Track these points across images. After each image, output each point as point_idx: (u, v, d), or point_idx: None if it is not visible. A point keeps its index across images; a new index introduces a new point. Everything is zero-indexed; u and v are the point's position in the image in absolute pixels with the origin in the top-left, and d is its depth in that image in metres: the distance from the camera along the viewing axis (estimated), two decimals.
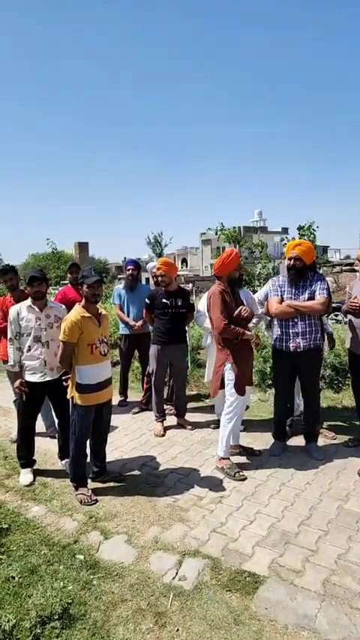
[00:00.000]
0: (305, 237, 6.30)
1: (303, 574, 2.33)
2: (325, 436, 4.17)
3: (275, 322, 3.82)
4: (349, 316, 3.90)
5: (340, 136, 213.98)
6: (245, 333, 3.42)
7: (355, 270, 3.89)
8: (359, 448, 3.86)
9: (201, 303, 4.43)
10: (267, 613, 2.09)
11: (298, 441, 4.04)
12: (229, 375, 3.45)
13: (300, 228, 6.25)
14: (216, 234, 6.47)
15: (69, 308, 3.36)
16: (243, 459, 3.71)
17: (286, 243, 5.30)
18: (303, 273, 3.64)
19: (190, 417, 4.64)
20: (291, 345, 3.62)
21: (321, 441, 4.03)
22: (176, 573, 2.38)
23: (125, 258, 45.71)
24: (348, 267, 15.90)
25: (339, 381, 5.46)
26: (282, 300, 3.66)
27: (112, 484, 3.32)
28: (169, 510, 2.95)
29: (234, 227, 6.67)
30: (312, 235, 6.28)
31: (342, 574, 2.31)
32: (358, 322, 3.73)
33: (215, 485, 3.28)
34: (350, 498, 3.05)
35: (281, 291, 3.70)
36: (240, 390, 3.44)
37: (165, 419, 4.48)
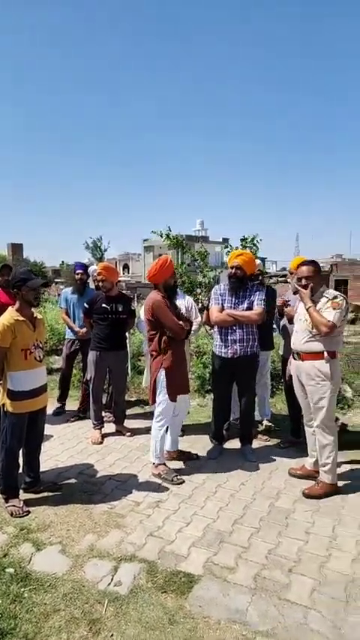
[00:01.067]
0: (247, 249, 6.54)
1: (236, 570, 2.40)
2: (259, 439, 4.33)
3: (215, 329, 3.94)
4: (283, 322, 4.10)
5: (282, 155, 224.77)
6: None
7: (287, 282, 4.10)
8: (291, 449, 4.05)
9: (142, 310, 4.45)
10: (201, 610, 2.14)
11: (234, 444, 4.16)
12: (162, 382, 3.49)
13: (243, 239, 6.47)
14: (161, 236, 6.46)
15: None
16: (181, 464, 3.75)
17: (229, 252, 5.46)
18: (243, 282, 3.79)
19: (129, 423, 4.63)
20: (229, 351, 3.74)
21: (256, 444, 4.18)
22: (112, 579, 2.37)
23: (63, 262, 44.52)
24: (283, 279, 16.82)
25: (273, 386, 5.68)
26: (222, 309, 3.79)
27: (46, 494, 3.23)
28: (106, 517, 2.92)
29: (179, 234, 6.68)
30: (254, 247, 6.53)
31: (272, 568, 2.41)
32: (292, 328, 3.93)
33: (153, 490, 3.30)
34: (281, 496, 3.19)
35: (222, 300, 3.83)
36: (172, 396, 3.49)
37: (103, 426, 4.43)
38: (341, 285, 31.49)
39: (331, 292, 3.19)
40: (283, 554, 2.52)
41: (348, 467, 3.69)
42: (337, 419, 3.68)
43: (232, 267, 3.76)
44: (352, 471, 3.62)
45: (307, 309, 3.12)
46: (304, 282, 3.23)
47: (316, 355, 3.16)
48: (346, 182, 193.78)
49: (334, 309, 3.08)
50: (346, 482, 3.39)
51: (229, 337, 3.75)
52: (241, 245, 6.46)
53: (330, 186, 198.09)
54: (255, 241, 6.50)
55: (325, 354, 3.13)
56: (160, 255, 4.55)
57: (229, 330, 3.76)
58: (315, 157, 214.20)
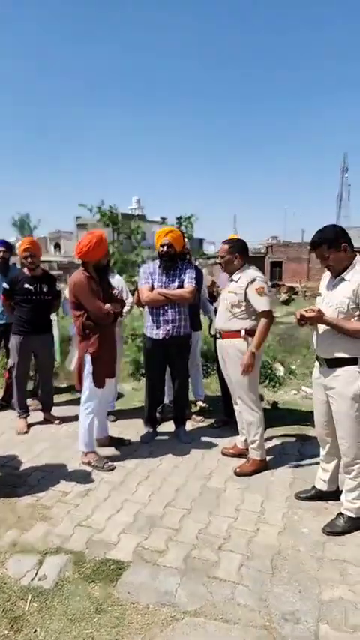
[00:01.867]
0: (183, 228, 6.45)
1: (166, 553, 2.37)
2: (193, 420, 4.35)
3: (146, 310, 3.84)
4: (215, 304, 4.11)
5: (220, 136, 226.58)
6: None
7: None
8: (224, 429, 4.09)
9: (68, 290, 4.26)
10: (129, 597, 2.08)
11: (168, 426, 4.13)
12: (89, 367, 3.36)
13: (179, 218, 6.38)
14: (90, 210, 6.16)
15: None
16: (113, 450, 3.67)
17: None
18: (175, 260, 3.72)
19: (58, 411, 4.45)
20: (161, 332, 3.67)
21: (190, 425, 4.18)
22: (36, 574, 2.25)
23: None
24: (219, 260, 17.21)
25: (208, 367, 5.72)
26: (152, 288, 3.69)
27: None
28: (30, 510, 2.77)
29: (111, 206, 6.37)
30: (190, 226, 6.46)
31: (202, 547, 2.41)
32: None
33: (82, 478, 3.19)
34: (213, 476, 3.21)
35: (152, 279, 3.72)
36: (99, 382, 3.37)
37: (28, 415, 4.22)
38: (276, 267, 32.58)
39: (250, 274, 3.18)
40: (213, 533, 2.53)
41: (279, 442, 3.79)
42: (261, 396, 3.75)
43: (162, 245, 3.67)
44: (282, 446, 3.73)
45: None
46: (219, 260, 3.27)
47: (235, 334, 3.19)
48: (282, 163, 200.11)
49: (260, 295, 3.10)
50: (276, 457, 3.49)
51: (160, 318, 3.68)
52: (177, 223, 6.38)
53: (267, 168, 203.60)
54: (191, 220, 6.45)
55: (243, 332, 3.16)
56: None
57: (161, 311, 3.68)
58: (253, 135, 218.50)
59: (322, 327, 2.55)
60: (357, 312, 2.41)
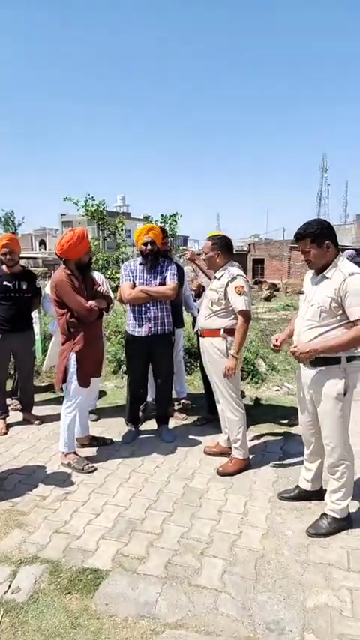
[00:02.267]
0: (167, 226, 6.36)
1: (146, 560, 2.29)
2: (176, 417, 4.27)
3: (128, 308, 3.74)
4: (198, 301, 4.02)
5: (204, 134, 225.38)
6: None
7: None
8: (207, 426, 4.03)
9: (48, 287, 4.12)
10: (107, 609, 2.00)
11: (151, 425, 4.05)
12: (73, 366, 3.25)
13: (163, 216, 6.29)
14: (76, 204, 5.98)
15: None
16: (93, 450, 3.57)
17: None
18: (157, 258, 3.63)
19: (39, 410, 4.32)
20: (144, 330, 3.57)
21: (173, 423, 4.11)
22: (9, 586, 2.14)
23: None
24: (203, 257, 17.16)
25: (191, 364, 5.65)
26: (134, 286, 3.59)
27: None
28: (6, 516, 2.66)
29: (99, 202, 6.18)
30: (175, 224, 6.37)
31: (183, 553, 2.34)
32: (199, 305, 3.88)
33: (61, 481, 3.08)
34: (195, 476, 3.14)
35: (133, 276, 3.62)
36: (83, 381, 3.27)
37: (7, 415, 4.09)
38: (258, 264, 32.79)
39: (233, 271, 3.11)
40: (195, 537, 2.46)
41: (262, 440, 3.75)
42: (243, 393, 3.69)
43: (144, 244, 3.56)
44: (265, 444, 3.68)
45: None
46: (203, 256, 3.19)
47: (215, 332, 3.12)
48: (264, 162, 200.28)
49: (239, 294, 3.01)
50: (258, 455, 3.44)
51: (143, 315, 3.58)
52: (161, 221, 6.29)
53: (250, 167, 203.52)
54: (176, 218, 6.36)
55: (222, 331, 3.08)
56: None
57: (143, 308, 3.58)
58: (236, 134, 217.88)
59: (304, 326, 2.48)
60: (339, 312, 2.34)
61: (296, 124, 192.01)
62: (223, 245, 3.18)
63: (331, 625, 1.87)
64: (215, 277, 3.21)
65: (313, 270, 2.53)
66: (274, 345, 2.75)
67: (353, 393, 2.45)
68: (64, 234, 3.29)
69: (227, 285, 3.05)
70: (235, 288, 3.02)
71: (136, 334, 3.60)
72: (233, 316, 3.08)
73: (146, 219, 6.99)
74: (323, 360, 2.41)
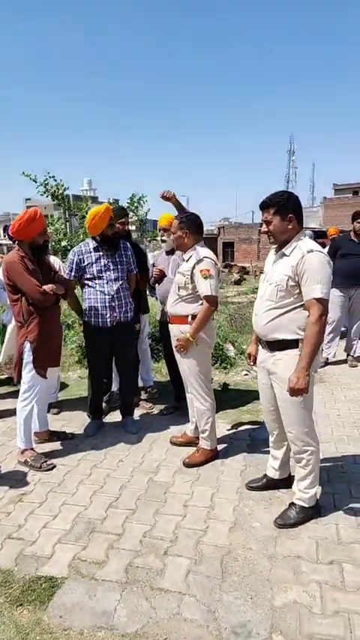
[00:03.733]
0: (133, 208, 6.11)
1: (106, 564, 2.14)
2: (142, 407, 4.12)
3: (90, 295, 3.51)
4: (157, 286, 3.85)
5: (171, 117, 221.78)
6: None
7: (164, 240, 3.81)
8: (174, 415, 3.89)
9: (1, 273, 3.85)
10: (61, 622, 1.83)
11: (115, 416, 3.88)
12: (28, 356, 3.03)
13: (131, 197, 6.04)
14: (35, 182, 5.58)
15: None
16: (54, 445, 3.37)
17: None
18: (116, 241, 3.47)
19: None
20: (108, 319, 3.37)
21: (138, 413, 3.95)
22: None
23: None
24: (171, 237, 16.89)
25: (159, 350, 5.49)
26: (79, 280, 3.45)
27: None
28: None
29: (59, 183, 5.82)
30: (140, 207, 6.12)
31: (146, 554, 2.19)
32: (159, 290, 3.72)
33: (17, 481, 2.88)
34: (160, 469, 3.00)
35: (86, 264, 3.41)
36: (40, 372, 3.06)
37: None
38: (228, 248, 32.81)
39: (200, 252, 2.91)
40: (158, 536, 2.32)
41: (229, 427, 3.64)
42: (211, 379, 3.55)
43: (109, 226, 3.35)
44: (233, 432, 3.58)
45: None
46: (171, 236, 3.05)
47: (182, 319, 2.94)
48: (233, 145, 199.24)
49: (205, 278, 2.82)
50: (226, 443, 3.33)
51: (107, 304, 3.38)
52: (128, 204, 6.05)
53: (218, 150, 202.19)
54: (142, 201, 6.13)
55: (190, 318, 2.92)
56: (46, 216, 3.90)
57: (107, 297, 3.37)
58: (203, 116, 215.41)
59: (262, 307, 2.35)
60: (296, 291, 2.21)
61: (264, 106, 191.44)
62: (191, 224, 2.96)
63: (300, 624, 1.76)
64: (183, 259, 3.03)
65: (274, 249, 2.40)
66: (250, 358, 2.69)
67: (314, 377, 2.35)
68: (19, 215, 3.05)
69: (194, 267, 2.88)
70: (201, 271, 2.84)
71: (101, 324, 3.39)
72: (201, 302, 2.91)
73: (115, 202, 6.69)
74: (281, 343, 2.28)
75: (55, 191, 5.60)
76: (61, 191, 5.68)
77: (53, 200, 5.81)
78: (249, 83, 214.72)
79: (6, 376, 5.07)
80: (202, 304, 2.89)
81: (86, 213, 5.93)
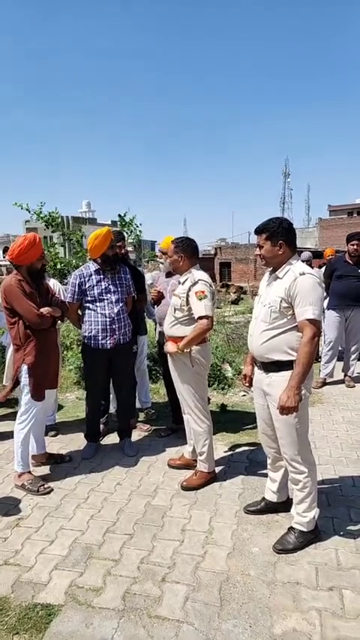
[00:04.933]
0: (126, 230, 6.19)
1: (103, 591, 2.11)
2: (140, 429, 4.11)
3: (90, 318, 3.54)
4: (156, 307, 3.89)
5: (171, 139, 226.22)
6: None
7: (162, 263, 3.88)
8: (171, 437, 3.88)
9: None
10: None
11: (113, 438, 3.87)
12: (24, 378, 3.04)
13: (121, 217, 6.11)
14: (28, 211, 5.71)
15: None
16: (51, 468, 3.35)
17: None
18: (116, 263, 3.55)
19: None
20: (109, 341, 3.40)
21: (136, 435, 3.94)
22: None
23: None
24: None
25: (156, 371, 5.50)
26: (80, 305, 3.50)
27: None
28: None
29: (52, 212, 5.96)
30: (134, 228, 6.21)
31: (143, 580, 2.17)
32: (158, 312, 3.75)
33: (14, 506, 2.86)
34: (158, 492, 2.98)
35: (84, 288, 3.47)
36: (37, 395, 3.07)
37: None
38: (225, 268, 33.12)
39: (196, 275, 2.96)
40: (156, 562, 2.30)
41: (227, 449, 3.63)
42: (208, 399, 3.57)
43: (111, 248, 3.43)
44: (231, 452, 3.57)
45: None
46: (167, 259, 3.07)
47: (179, 340, 2.97)
48: (230, 167, 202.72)
49: (199, 299, 2.87)
50: (224, 465, 3.32)
51: (108, 327, 3.41)
52: (120, 225, 6.12)
53: (216, 172, 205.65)
54: (133, 222, 6.21)
55: None
56: (45, 237, 3.97)
57: (108, 320, 3.41)
58: (201, 138, 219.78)
59: (258, 329, 2.39)
60: (289, 312, 2.26)
61: (261, 128, 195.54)
62: (186, 248, 3.03)
63: None
64: (179, 282, 3.08)
65: (269, 272, 2.47)
66: (245, 379, 2.71)
67: (308, 399, 2.37)
68: (17, 240, 3.11)
69: (189, 289, 2.92)
70: (196, 293, 2.89)
71: (100, 347, 3.41)
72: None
73: (114, 224, 6.80)
74: (276, 364, 2.32)
75: (48, 218, 5.72)
76: (54, 217, 5.81)
77: (47, 227, 5.92)
78: (247, 104, 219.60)
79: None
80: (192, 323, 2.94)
81: (81, 237, 6.05)
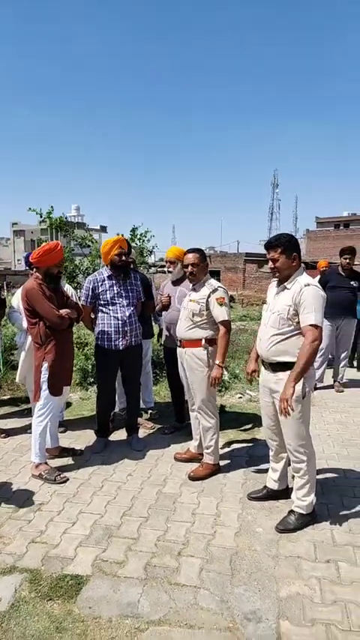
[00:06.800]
0: (137, 242, 6.46)
1: (126, 564, 2.36)
2: (144, 427, 4.34)
3: (104, 320, 3.78)
4: (164, 314, 4.15)
5: (159, 146, 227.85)
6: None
7: (165, 272, 4.15)
8: (175, 435, 4.13)
9: (15, 299, 4.11)
10: (91, 612, 2.04)
11: (120, 435, 4.10)
12: (45, 375, 3.28)
13: (133, 230, 6.37)
14: (41, 215, 5.96)
15: None
16: (64, 461, 3.57)
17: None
18: (129, 270, 3.80)
19: (2, 424, 4.26)
20: (121, 342, 3.64)
21: (141, 432, 4.17)
22: None
23: None
24: (162, 269, 17.35)
25: (157, 374, 5.75)
26: (93, 308, 3.76)
27: None
28: None
29: (59, 217, 6.23)
30: (147, 241, 6.49)
31: (161, 554, 2.42)
32: (166, 317, 4.00)
33: (34, 492, 3.08)
34: (168, 482, 3.23)
35: (97, 292, 3.73)
36: (56, 390, 3.31)
37: None
38: (214, 276, 33.37)
39: (213, 283, 3.28)
40: (171, 539, 2.55)
41: (228, 445, 3.89)
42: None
43: (118, 255, 3.65)
44: (232, 449, 3.83)
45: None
46: (190, 269, 3.28)
47: (196, 342, 3.24)
48: (218, 175, 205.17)
49: (220, 305, 3.18)
50: (227, 460, 3.58)
51: (120, 329, 3.66)
52: (130, 237, 6.39)
53: (204, 180, 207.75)
54: (147, 236, 6.51)
55: (203, 341, 3.23)
56: (33, 241, 4.22)
57: (120, 322, 3.66)
58: (189, 146, 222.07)
59: (266, 333, 2.68)
60: (296, 319, 2.56)
61: (250, 138, 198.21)
62: (205, 259, 3.36)
63: (303, 612, 2.01)
64: (193, 289, 3.34)
65: (276, 282, 2.76)
66: (249, 374, 2.95)
67: (311, 396, 2.67)
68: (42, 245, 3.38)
69: (209, 296, 3.21)
70: (217, 299, 3.19)
71: (113, 348, 3.66)
72: (215, 326, 3.23)
73: (103, 229, 7.10)
74: (283, 365, 2.61)
75: (59, 223, 5.99)
76: (62, 220, 6.07)
77: (57, 232, 6.18)
78: (236, 113, 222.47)
79: (8, 397, 5.26)
80: (215, 329, 3.22)
81: (82, 239, 6.34)
